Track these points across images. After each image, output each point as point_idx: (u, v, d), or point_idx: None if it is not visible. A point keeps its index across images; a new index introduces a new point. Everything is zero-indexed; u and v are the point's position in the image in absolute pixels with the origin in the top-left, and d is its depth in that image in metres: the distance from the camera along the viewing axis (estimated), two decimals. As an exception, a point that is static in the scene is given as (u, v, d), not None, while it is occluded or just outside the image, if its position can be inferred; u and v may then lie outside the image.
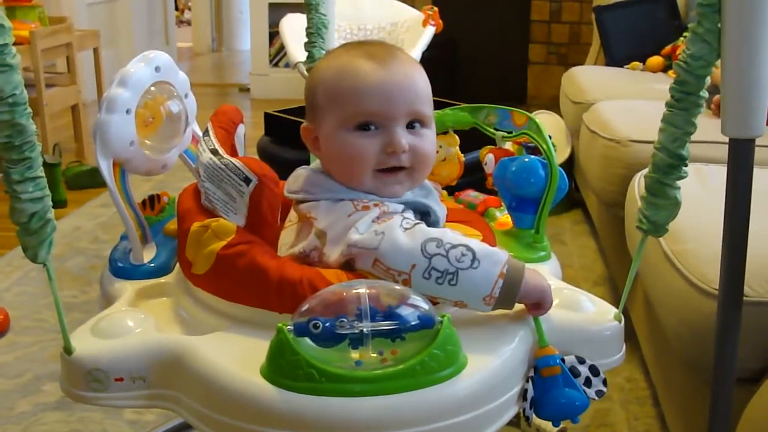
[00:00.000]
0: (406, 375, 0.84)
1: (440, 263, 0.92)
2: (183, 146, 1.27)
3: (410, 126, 1.04)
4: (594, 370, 0.99)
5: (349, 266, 0.99)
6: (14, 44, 0.85)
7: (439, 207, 1.11)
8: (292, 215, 1.09)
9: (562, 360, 0.97)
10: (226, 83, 6.33)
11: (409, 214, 1.03)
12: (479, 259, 0.93)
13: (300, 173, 1.10)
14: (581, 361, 0.99)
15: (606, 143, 2.28)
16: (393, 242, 0.94)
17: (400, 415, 0.84)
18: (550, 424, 1.56)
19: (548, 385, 0.96)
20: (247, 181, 1.01)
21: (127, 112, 1.11)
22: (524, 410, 0.95)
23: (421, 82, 1.06)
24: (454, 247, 0.93)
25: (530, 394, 0.96)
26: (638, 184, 1.83)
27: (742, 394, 1.19)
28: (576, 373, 0.98)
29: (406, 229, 0.95)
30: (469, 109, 1.32)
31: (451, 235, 0.95)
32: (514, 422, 1.14)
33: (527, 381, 0.96)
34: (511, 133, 1.27)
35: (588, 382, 0.98)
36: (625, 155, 2.17)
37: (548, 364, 0.96)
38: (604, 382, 0.99)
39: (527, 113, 1.24)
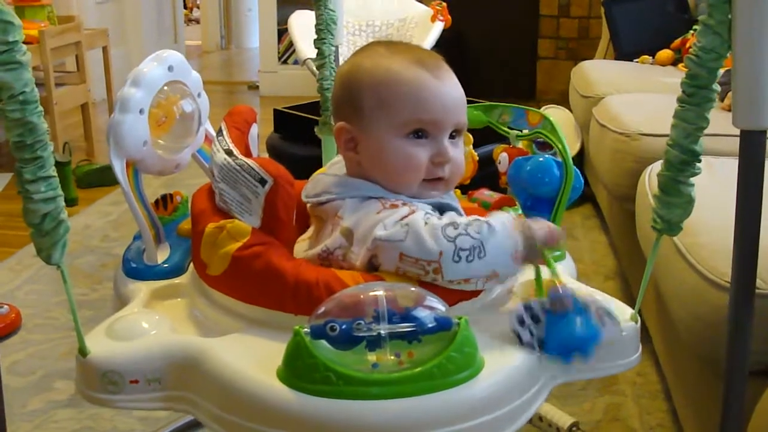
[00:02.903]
0: (423, 378, 0.83)
1: (465, 242, 0.94)
2: (196, 146, 1.26)
3: (451, 135, 1.07)
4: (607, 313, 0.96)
5: (372, 266, 0.99)
6: (23, 43, 0.84)
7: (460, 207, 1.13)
8: (309, 230, 1.10)
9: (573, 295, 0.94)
10: (235, 81, 6.33)
11: (433, 212, 1.04)
12: (493, 225, 0.95)
13: (320, 178, 1.11)
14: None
15: (616, 137, 2.27)
16: (417, 234, 0.95)
17: (418, 418, 0.84)
18: (562, 419, 1.56)
19: (559, 318, 0.93)
20: (263, 182, 1.01)
21: (141, 111, 1.11)
22: (519, 334, 0.93)
23: (463, 92, 1.09)
24: (469, 224, 0.95)
25: (527, 319, 0.93)
26: (649, 178, 1.82)
27: (754, 387, 1.19)
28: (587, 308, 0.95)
29: (426, 222, 0.96)
30: (483, 108, 1.32)
31: (456, 216, 0.98)
32: (530, 422, 1.14)
33: (523, 307, 0.94)
34: (523, 132, 1.27)
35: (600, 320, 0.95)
36: (635, 149, 2.17)
37: (559, 297, 0.94)
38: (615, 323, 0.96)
39: (542, 112, 1.23)
